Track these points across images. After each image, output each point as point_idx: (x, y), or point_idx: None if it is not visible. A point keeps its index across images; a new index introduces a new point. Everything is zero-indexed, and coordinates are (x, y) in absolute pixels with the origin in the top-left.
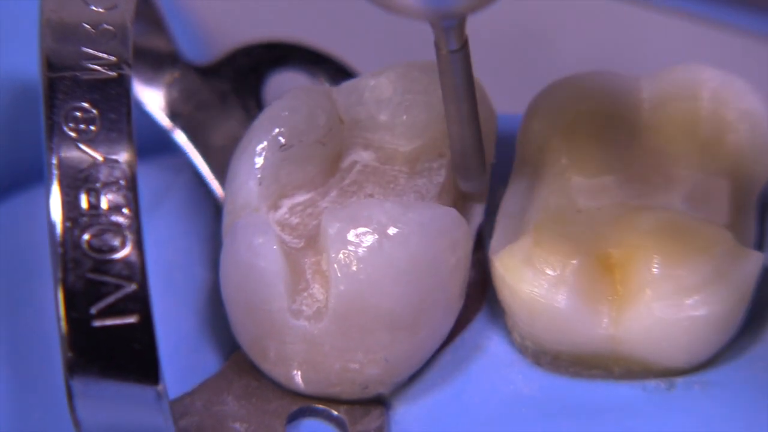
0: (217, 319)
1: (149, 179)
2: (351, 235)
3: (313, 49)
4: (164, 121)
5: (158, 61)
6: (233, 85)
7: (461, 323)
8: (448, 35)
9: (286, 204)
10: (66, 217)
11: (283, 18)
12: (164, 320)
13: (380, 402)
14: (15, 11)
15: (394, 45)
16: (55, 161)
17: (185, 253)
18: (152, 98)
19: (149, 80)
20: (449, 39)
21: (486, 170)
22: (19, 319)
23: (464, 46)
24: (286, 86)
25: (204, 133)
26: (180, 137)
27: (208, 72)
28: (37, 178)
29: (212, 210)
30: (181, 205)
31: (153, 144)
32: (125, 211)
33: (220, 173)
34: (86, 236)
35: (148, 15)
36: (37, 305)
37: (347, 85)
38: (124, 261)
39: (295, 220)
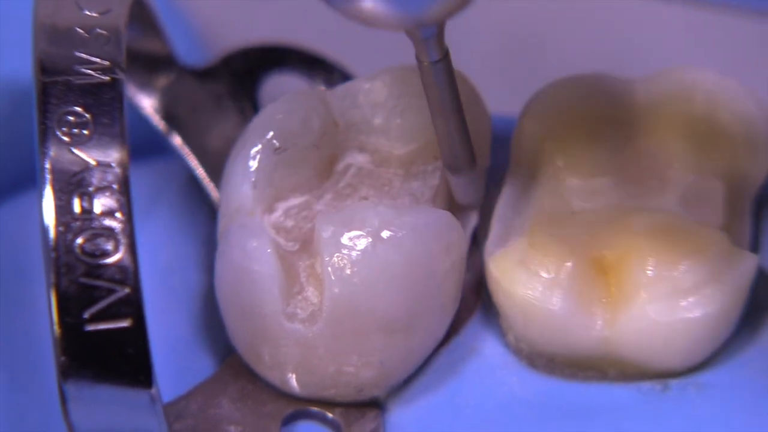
0: (212, 323)
1: (145, 182)
2: (345, 239)
3: (309, 52)
4: (160, 124)
5: (153, 64)
6: (229, 88)
7: (456, 325)
8: (428, 46)
9: (281, 207)
10: (59, 221)
11: (278, 21)
12: (160, 323)
13: (375, 404)
14: (14, 15)
15: (389, 48)
16: (48, 165)
17: (180, 256)
18: (147, 101)
19: (144, 83)
20: (429, 50)
21: (476, 164)
22: (16, 321)
23: (446, 56)
24: (281, 89)
25: (199, 136)
26: (175, 140)
27: (204, 75)
28: (35, 182)
29: (208, 213)
30: (177, 207)
31: (149, 147)
32: (118, 215)
33: (216, 176)
34: (79, 240)
35: (143, 18)
36: (34, 308)
37: (342, 88)
38: (117, 265)
39: (290, 223)
